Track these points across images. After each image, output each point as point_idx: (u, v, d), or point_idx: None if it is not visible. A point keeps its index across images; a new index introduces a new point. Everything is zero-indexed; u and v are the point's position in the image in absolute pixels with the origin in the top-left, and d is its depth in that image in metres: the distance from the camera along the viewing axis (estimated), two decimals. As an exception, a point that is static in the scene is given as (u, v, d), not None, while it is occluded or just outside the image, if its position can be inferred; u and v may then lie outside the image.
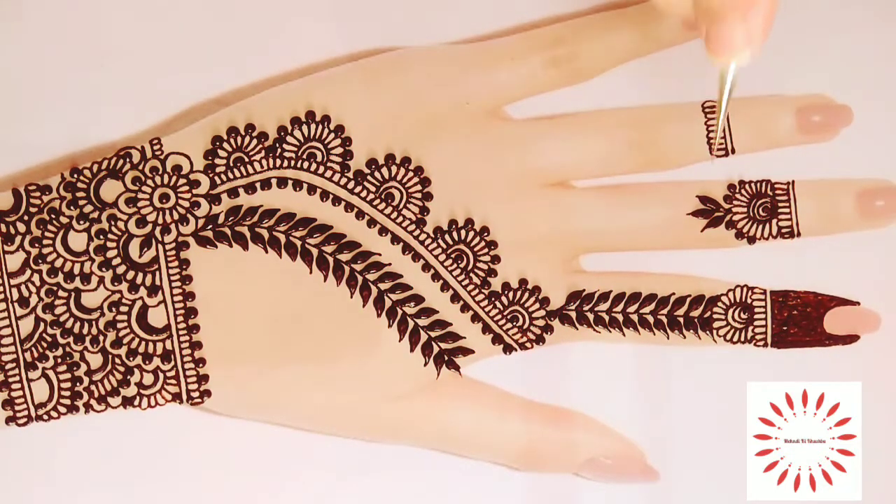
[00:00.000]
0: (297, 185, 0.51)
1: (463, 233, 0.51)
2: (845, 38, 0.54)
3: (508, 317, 0.52)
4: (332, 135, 0.51)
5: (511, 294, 0.52)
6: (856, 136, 0.53)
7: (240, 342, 0.50)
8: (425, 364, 0.51)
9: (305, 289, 0.50)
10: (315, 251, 0.51)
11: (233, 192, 0.50)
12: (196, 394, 0.50)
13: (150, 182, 0.50)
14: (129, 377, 0.50)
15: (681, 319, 0.52)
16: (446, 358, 0.51)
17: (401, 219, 0.51)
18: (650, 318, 0.52)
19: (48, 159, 0.52)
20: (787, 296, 0.53)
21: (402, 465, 0.52)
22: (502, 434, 0.52)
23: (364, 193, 0.51)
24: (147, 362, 0.50)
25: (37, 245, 0.50)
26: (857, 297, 0.53)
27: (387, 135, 0.51)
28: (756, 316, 0.52)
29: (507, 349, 0.52)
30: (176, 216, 0.50)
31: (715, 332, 0.52)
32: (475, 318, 0.51)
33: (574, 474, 0.53)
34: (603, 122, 0.53)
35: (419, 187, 0.51)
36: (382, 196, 0.51)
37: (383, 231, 0.51)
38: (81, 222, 0.50)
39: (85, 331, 0.50)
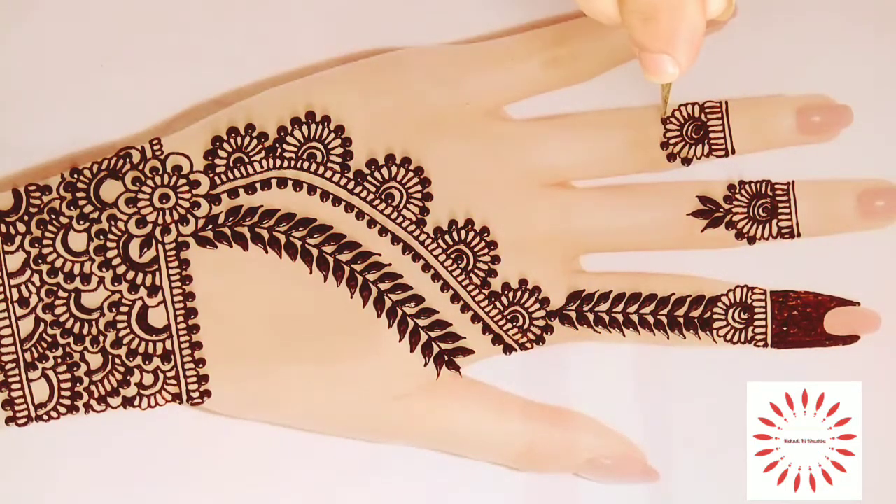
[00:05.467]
0: (297, 185, 0.51)
1: (463, 233, 0.51)
2: (845, 39, 0.54)
3: (508, 317, 0.52)
4: (332, 135, 0.51)
5: (511, 294, 0.52)
6: (856, 136, 0.53)
7: (240, 342, 0.50)
8: (425, 364, 0.51)
9: (305, 289, 0.50)
10: (315, 251, 0.51)
11: (233, 193, 0.50)
12: (196, 394, 0.50)
13: (150, 182, 0.50)
14: (129, 377, 0.50)
15: (681, 320, 0.52)
16: (446, 358, 0.51)
17: (401, 219, 0.51)
18: (650, 319, 0.52)
19: (48, 159, 0.52)
20: (787, 296, 0.53)
21: (401, 466, 0.52)
22: (502, 434, 0.52)
23: (364, 194, 0.51)
24: (147, 362, 0.50)
25: (37, 245, 0.50)
26: (857, 297, 0.53)
27: (387, 135, 0.51)
28: (756, 316, 0.52)
29: (507, 349, 0.52)
30: (176, 216, 0.50)
31: (715, 332, 0.52)
32: (475, 318, 0.51)
33: (574, 474, 0.53)
34: (603, 122, 0.53)
35: (419, 187, 0.51)
36: (382, 196, 0.51)
37: (383, 231, 0.51)
38: (81, 222, 0.50)
39: (85, 331, 0.50)
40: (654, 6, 0.44)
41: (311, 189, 0.51)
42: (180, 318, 0.50)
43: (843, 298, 0.53)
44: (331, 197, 0.51)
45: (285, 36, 0.53)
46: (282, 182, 0.51)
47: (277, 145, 0.51)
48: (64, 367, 0.50)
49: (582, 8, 0.46)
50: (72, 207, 0.50)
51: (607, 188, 0.53)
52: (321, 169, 0.51)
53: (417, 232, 0.51)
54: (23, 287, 0.49)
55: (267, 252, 0.50)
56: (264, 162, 0.51)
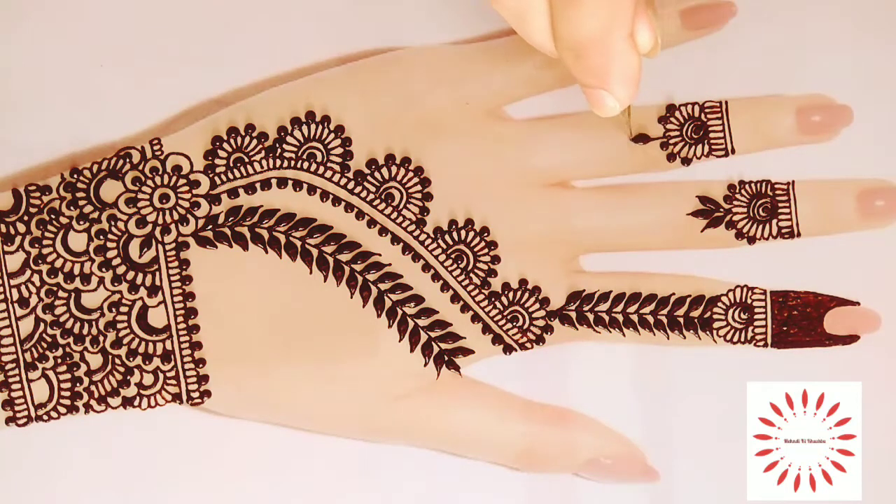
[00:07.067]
0: (297, 185, 0.51)
1: (463, 233, 0.51)
2: (845, 39, 0.54)
3: (508, 317, 0.52)
4: (332, 135, 0.51)
5: (511, 294, 0.52)
6: (856, 136, 0.53)
7: (240, 342, 0.50)
8: (425, 364, 0.51)
9: (305, 289, 0.50)
10: (315, 251, 0.51)
11: (233, 193, 0.50)
12: (196, 394, 0.50)
13: (150, 182, 0.50)
14: (129, 377, 0.50)
15: (681, 320, 0.52)
16: (446, 358, 0.51)
17: (401, 219, 0.51)
18: (650, 319, 0.52)
19: (48, 159, 0.52)
20: (787, 296, 0.53)
21: (401, 466, 0.52)
22: (502, 434, 0.52)
23: (364, 194, 0.51)
24: (147, 363, 0.50)
25: (37, 245, 0.50)
26: (857, 297, 0.53)
27: (387, 135, 0.51)
28: (756, 316, 0.52)
29: (507, 349, 0.52)
30: (176, 216, 0.50)
31: (715, 332, 0.52)
32: (475, 318, 0.51)
33: (574, 474, 0.53)
34: (603, 122, 0.53)
35: (419, 187, 0.51)
36: (382, 196, 0.51)
37: (383, 231, 0.51)
38: (81, 222, 0.50)
39: (85, 331, 0.50)
40: (581, 44, 0.44)
41: (311, 189, 0.51)
42: (180, 319, 0.50)
43: (843, 298, 0.53)
44: (331, 197, 0.51)
45: (285, 36, 0.53)
46: (282, 182, 0.51)
47: (277, 145, 0.51)
48: (64, 368, 0.50)
49: (524, 38, 0.46)
50: (72, 207, 0.50)
51: (607, 188, 0.53)
52: (321, 169, 0.51)
53: (417, 232, 0.51)
54: (23, 287, 0.49)
55: (267, 252, 0.50)
56: (264, 162, 0.51)
